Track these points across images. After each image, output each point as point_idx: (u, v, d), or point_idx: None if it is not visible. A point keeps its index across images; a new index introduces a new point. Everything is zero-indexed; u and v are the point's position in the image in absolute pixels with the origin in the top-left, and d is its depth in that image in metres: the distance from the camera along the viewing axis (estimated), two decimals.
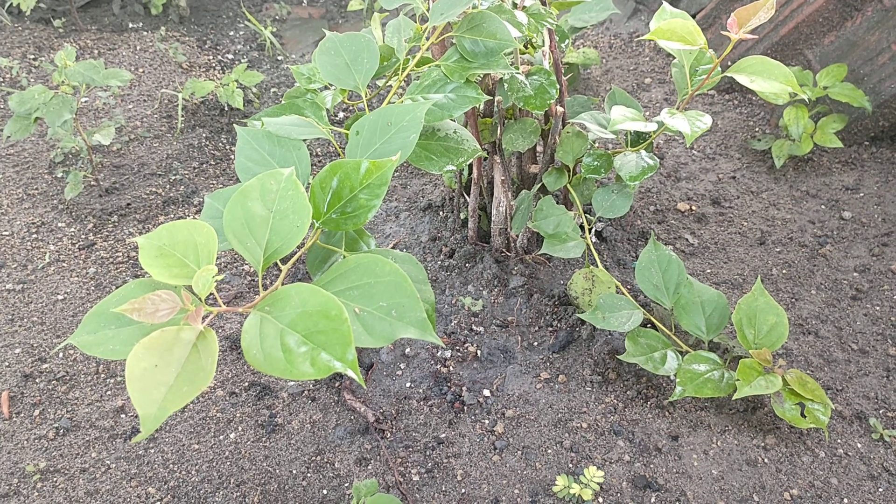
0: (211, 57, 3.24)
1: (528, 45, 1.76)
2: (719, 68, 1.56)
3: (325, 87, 1.50)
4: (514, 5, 1.59)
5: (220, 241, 1.05)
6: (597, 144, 1.77)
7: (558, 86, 1.59)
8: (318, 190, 1.06)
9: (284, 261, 1.03)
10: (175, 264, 0.95)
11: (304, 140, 1.21)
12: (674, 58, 1.65)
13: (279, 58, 3.31)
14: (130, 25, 3.40)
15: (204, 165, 2.54)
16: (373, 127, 1.17)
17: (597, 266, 1.79)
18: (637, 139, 1.75)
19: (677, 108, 1.58)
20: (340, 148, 1.24)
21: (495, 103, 1.69)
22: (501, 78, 1.62)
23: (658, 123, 1.61)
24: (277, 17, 3.66)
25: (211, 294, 1.68)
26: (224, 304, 1.63)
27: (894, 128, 2.37)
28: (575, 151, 1.74)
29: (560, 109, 1.68)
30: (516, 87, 1.57)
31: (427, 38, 1.40)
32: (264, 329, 0.91)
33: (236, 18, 3.60)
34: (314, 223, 1.06)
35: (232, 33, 3.48)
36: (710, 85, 1.58)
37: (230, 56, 3.30)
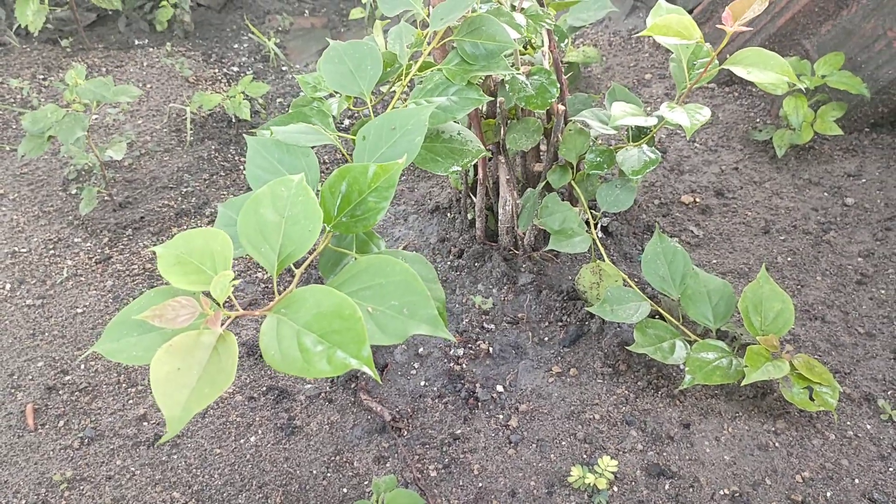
0: (217, 70, 3.28)
1: (528, 46, 1.79)
2: (716, 61, 1.59)
3: (331, 95, 1.54)
4: (513, 7, 1.62)
5: (234, 248, 1.08)
6: (599, 141, 1.80)
7: (559, 85, 1.62)
8: (327, 194, 1.09)
9: (298, 265, 1.07)
10: (192, 271, 0.99)
11: (312, 147, 1.25)
12: (672, 53, 1.68)
13: (284, 68, 3.36)
14: (136, 42, 3.45)
15: (214, 177, 2.58)
16: (378, 131, 1.20)
17: (603, 260, 1.82)
18: (638, 134, 1.77)
19: (676, 102, 1.61)
20: (348, 154, 1.27)
21: (497, 104, 1.72)
22: (503, 79, 1.66)
23: (658, 118, 1.64)
24: (280, 29, 3.71)
25: (228, 300, 1.71)
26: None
27: (894, 113, 2.38)
28: (578, 148, 1.76)
29: (562, 108, 1.70)
30: (518, 88, 1.60)
31: (428, 43, 1.43)
32: (281, 330, 0.94)
33: (240, 31, 3.65)
34: (325, 227, 1.09)
35: (236, 46, 3.53)
36: (709, 78, 1.60)
37: (235, 68, 3.34)
